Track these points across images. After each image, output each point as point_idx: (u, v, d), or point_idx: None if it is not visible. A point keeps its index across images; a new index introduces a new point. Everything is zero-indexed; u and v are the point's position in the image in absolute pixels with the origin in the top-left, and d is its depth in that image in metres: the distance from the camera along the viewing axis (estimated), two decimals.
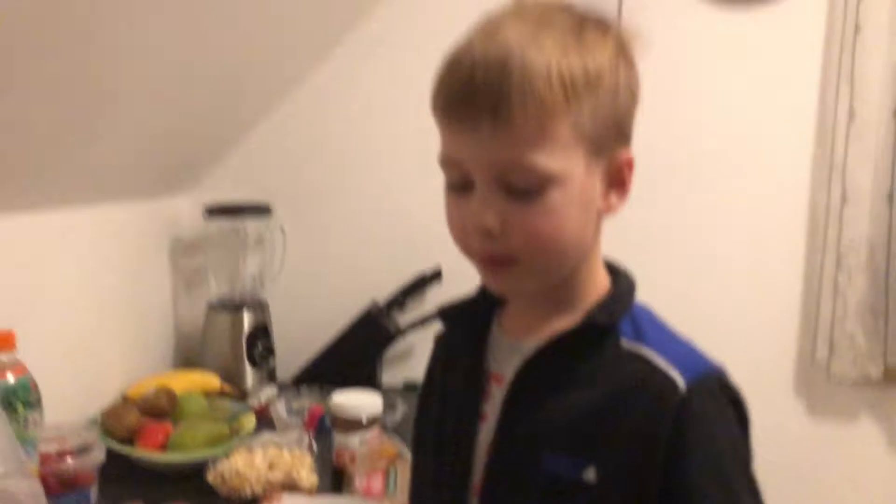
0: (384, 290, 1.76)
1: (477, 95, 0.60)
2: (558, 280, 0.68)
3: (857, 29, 1.59)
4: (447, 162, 0.65)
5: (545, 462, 0.64)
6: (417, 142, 1.81)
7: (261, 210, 1.73)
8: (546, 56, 0.60)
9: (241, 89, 1.64)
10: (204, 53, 1.33)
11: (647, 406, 0.62)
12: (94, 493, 1.04)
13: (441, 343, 0.82)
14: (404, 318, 1.76)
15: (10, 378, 0.91)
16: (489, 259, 0.65)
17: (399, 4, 1.75)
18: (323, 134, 1.80)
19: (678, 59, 1.71)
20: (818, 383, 1.74)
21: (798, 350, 1.77)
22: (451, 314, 0.77)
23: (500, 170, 0.61)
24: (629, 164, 0.67)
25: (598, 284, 0.70)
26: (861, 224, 1.64)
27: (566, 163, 0.62)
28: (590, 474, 0.62)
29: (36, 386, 0.96)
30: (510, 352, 0.70)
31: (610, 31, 0.66)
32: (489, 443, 0.69)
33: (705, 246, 1.77)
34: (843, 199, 1.64)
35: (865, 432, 1.75)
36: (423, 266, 1.74)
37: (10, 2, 0.82)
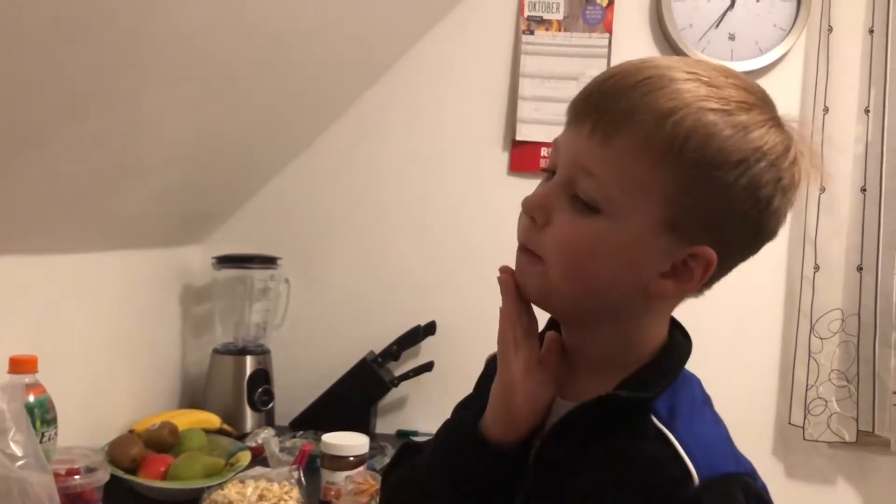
0: (382, 342, 1.80)
1: (598, 102, 0.59)
2: (584, 320, 0.66)
3: (826, 109, 1.70)
4: (553, 146, 0.65)
5: None
6: (416, 205, 1.91)
7: (267, 261, 1.80)
8: (675, 103, 0.56)
9: (252, 153, 1.71)
10: (217, 122, 1.41)
11: (658, 494, 0.58)
12: None
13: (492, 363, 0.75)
14: (399, 369, 1.81)
15: (31, 397, 0.99)
16: (522, 247, 0.65)
17: (400, 76, 1.83)
18: (327, 194, 1.88)
19: None
20: (795, 446, 1.78)
21: (776, 413, 1.81)
22: None
23: (575, 171, 0.60)
24: (702, 259, 0.61)
25: (644, 355, 0.66)
26: (833, 293, 1.71)
27: (630, 206, 0.59)
28: None
29: (53, 405, 1.03)
30: (556, 411, 0.67)
31: (773, 128, 0.60)
32: None
33: (688, 311, 1.82)
34: (816, 268, 1.72)
35: (842, 493, 1.78)
36: (419, 320, 1.79)
37: (46, 73, 0.90)
